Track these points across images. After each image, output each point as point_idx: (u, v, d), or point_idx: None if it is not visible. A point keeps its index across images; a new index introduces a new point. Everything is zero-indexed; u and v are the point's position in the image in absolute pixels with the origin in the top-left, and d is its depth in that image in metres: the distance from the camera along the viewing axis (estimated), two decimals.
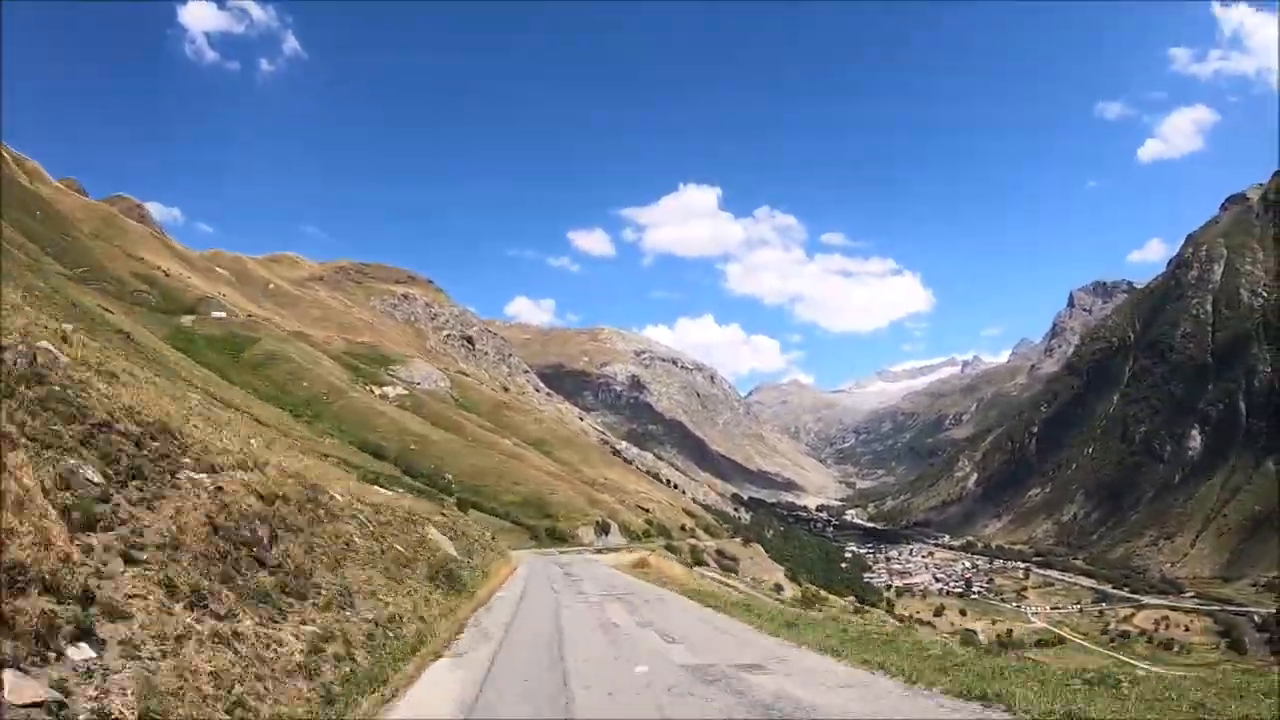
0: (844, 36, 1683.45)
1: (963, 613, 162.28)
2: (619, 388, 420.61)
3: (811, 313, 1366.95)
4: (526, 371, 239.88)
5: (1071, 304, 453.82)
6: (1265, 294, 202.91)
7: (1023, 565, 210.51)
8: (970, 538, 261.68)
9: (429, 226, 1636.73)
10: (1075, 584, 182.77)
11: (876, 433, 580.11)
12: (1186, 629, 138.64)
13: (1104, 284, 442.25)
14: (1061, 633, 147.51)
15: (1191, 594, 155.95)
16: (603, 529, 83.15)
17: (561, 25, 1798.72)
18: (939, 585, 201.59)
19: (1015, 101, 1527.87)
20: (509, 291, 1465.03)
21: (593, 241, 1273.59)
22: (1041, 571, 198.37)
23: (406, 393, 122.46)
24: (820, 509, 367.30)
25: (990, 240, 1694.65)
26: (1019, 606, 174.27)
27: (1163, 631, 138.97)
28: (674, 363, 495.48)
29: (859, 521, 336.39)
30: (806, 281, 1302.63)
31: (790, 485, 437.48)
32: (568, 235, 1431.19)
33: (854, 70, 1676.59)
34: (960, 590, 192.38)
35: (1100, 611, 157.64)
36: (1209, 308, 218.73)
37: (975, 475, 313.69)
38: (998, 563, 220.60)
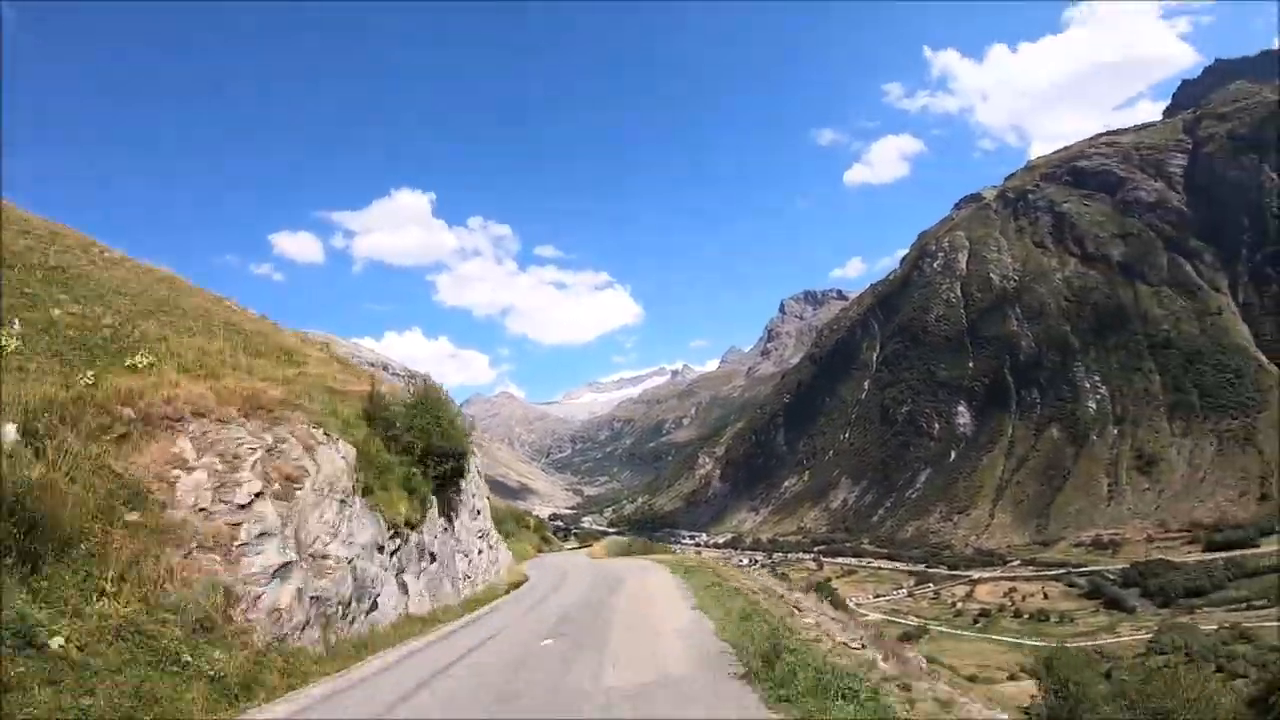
0: (567, 48, 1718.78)
1: None
2: None
3: (523, 325, 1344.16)
4: None
5: (783, 311, 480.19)
6: (1016, 278, 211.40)
7: (809, 556, 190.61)
8: (731, 533, 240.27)
9: (109, 236, 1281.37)
10: (880, 568, 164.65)
11: (594, 441, 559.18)
12: (1045, 596, 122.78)
13: (814, 293, 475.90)
14: (913, 622, 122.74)
15: (1017, 561, 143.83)
16: None
17: (249, 15, 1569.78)
18: None
19: (732, 124, 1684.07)
20: None
21: (299, 246, 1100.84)
22: (835, 560, 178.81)
23: None
24: (554, 517, 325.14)
25: (699, 256, 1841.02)
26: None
27: (1021, 603, 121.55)
28: (384, 368, 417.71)
29: (599, 527, 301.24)
30: (519, 293, 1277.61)
31: (523, 491, 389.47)
32: (270, 238, 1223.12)
33: (570, 80, 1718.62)
34: None
35: (936, 593, 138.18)
36: (959, 292, 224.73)
37: (719, 471, 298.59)
38: (777, 555, 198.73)
